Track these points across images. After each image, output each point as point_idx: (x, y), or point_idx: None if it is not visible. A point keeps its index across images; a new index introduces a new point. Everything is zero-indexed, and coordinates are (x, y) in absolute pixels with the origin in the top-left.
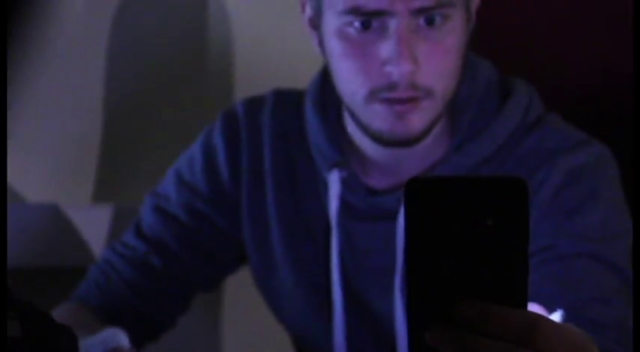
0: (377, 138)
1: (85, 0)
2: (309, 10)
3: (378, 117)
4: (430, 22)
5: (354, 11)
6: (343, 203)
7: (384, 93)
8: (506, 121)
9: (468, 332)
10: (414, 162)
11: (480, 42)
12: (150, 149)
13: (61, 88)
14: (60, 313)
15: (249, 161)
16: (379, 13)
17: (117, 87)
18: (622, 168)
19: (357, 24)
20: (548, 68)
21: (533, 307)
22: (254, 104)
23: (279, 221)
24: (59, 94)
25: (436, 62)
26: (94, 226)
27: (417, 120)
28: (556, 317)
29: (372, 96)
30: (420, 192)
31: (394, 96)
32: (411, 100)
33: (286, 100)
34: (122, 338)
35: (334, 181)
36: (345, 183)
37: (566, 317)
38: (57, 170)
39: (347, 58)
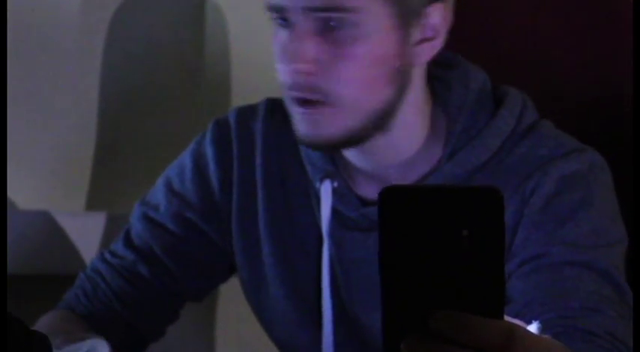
0: (300, 141)
1: (80, 11)
2: None
3: (294, 118)
4: (330, 26)
5: (266, 7)
6: (335, 213)
7: (290, 92)
8: (499, 130)
9: (444, 343)
10: (404, 171)
11: (473, 49)
12: (144, 158)
13: (54, 96)
14: (47, 320)
15: (240, 171)
16: (279, 9)
17: (111, 95)
18: (616, 175)
19: (280, 21)
20: (542, 75)
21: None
22: (246, 113)
23: (270, 232)
24: (53, 102)
25: (339, 68)
26: (86, 234)
27: (325, 125)
28: (532, 328)
29: (287, 95)
30: (395, 200)
31: (294, 95)
32: (311, 103)
33: (279, 110)
34: (102, 349)
35: (326, 192)
36: (336, 194)
37: (542, 329)
38: (50, 178)
39: (276, 56)
